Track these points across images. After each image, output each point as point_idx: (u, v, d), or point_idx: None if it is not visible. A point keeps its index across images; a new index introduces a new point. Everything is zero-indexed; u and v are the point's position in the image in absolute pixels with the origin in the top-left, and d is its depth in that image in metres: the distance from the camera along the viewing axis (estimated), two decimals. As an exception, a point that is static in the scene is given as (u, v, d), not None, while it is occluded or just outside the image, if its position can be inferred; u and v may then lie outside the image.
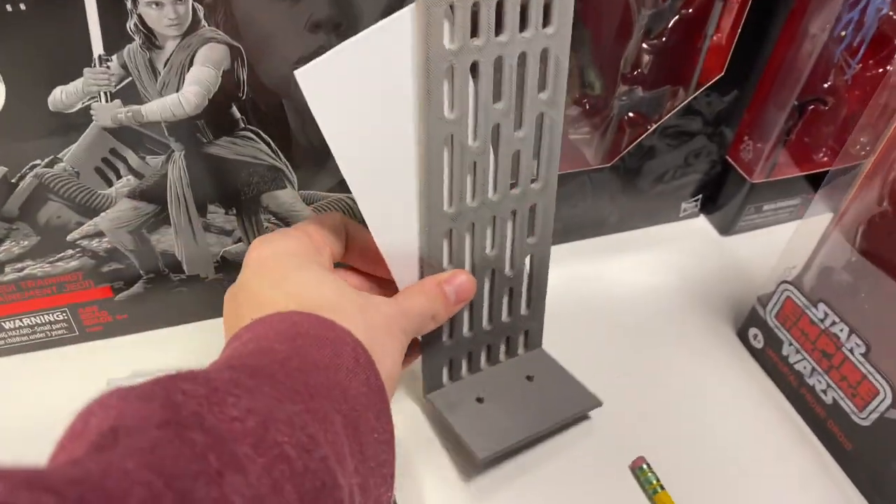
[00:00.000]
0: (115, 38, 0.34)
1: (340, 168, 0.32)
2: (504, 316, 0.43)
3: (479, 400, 0.43)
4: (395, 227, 0.35)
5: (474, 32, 0.32)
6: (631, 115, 0.50)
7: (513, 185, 0.38)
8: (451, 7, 0.31)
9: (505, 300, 0.42)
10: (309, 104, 0.30)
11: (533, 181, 0.39)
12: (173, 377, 0.23)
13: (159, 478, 0.18)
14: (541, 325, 0.45)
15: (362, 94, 0.31)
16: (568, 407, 0.43)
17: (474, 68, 0.33)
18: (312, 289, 0.32)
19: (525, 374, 0.44)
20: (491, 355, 0.44)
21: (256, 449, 0.21)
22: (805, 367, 0.45)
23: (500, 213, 0.38)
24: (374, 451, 0.28)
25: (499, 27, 0.33)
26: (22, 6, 0.31)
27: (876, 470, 0.42)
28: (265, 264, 0.33)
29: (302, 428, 0.23)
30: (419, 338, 0.40)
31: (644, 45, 0.47)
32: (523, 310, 0.44)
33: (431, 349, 0.41)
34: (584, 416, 0.44)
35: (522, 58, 0.34)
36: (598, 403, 0.44)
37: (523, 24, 0.33)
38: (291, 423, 0.23)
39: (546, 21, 0.34)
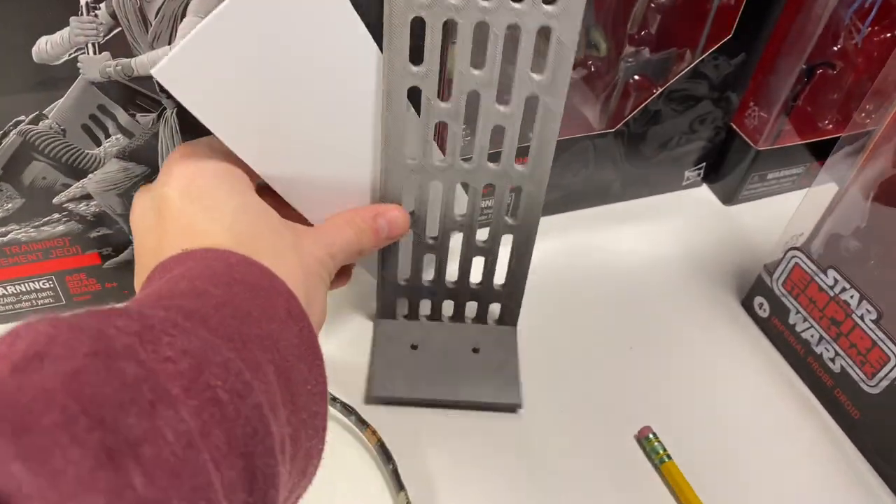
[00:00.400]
0: (104, -15, 0.32)
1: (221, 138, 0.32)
2: (473, 278, 0.42)
3: (414, 346, 0.43)
4: (299, 169, 0.35)
5: None
6: (637, 77, 0.48)
7: (494, 161, 0.37)
8: None
9: (477, 264, 0.42)
10: (177, 98, 0.30)
11: (521, 163, 0.37)
12: (107, 311, 0.22)
13: (77, 402, 0.18)
14: (517, 304, 0.44)
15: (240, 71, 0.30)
16: (485, 393, 0.42)
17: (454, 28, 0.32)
18: (249, 224, 0.30)
19: (474, 345, 0.44)
20: (456, 313, 0.45)
21: (188, 391, 0.21)
22: (812, 336, 0.45)
23: (474, 182, 0.38)
24: (306, 402, 0.27)
25: None
26: (3, -53, 0.29)
27: (885, 438, 0.41)
28: (195, 183, 0.31)
29: (237, 374, 0.23)
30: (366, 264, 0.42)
31: (652, 5, 0.45)
32: (498, 282, 0.43)
33: (387, 283, 0.42)
34: (506, 409, 0.43)
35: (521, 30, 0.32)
36: (515, 405, 0.42)
37: None
38: (226, 367, 0.23)
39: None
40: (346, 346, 0.45)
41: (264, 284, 0.28)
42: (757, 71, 0.50)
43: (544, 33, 0.32)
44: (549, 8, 0.32)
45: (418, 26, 0.33)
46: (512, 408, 0.42)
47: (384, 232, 0.36)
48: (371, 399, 0.42)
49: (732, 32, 0.47)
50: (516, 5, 0.32)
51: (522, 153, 0.37)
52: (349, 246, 0.35)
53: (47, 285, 0.43)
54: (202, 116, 0.31)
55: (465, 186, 0.38)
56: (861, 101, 0.43)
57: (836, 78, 0.50)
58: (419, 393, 0.42)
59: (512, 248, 0.41)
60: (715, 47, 0.47)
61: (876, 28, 0.47)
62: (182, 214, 0.30)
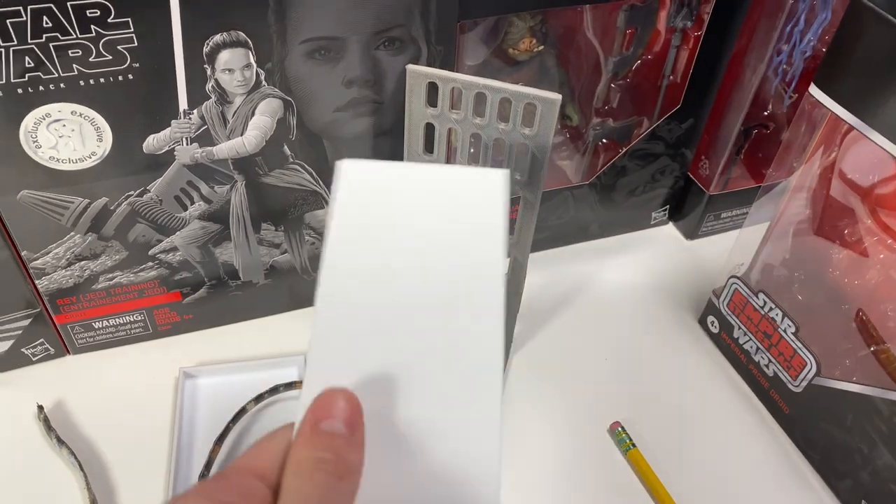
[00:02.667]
0: (197, 97, 0.44)
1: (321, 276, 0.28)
2: None
3: None
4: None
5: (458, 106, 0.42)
6: (604, 141, 0.60)
7: None
8: (434, 84, 0.41)
9: None
10: (336, 195, 0.28)
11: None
12: None
13: None
14: (507, 343, 0.53)
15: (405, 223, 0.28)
16: None
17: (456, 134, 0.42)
18: None
19: None
20: None
21: None
22: (751, 347, 0.55)
23: None
24: None
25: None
26: (130, 76, 0.41)
27: (807, 428, 0.51)
28: None
29: None
30: None
31: (612, 85, 0.57)
32: None
33: None
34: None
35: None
36: None
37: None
38: None
39: (528, 122, 0.40)
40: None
41: None
42: (704, 131, 0.61)
43: (524, 146, 0.42)
44: (526, 130, 0.41)
45: (430, 128, 0.44)
46: None
47: (343, 432, 0.25)
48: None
49: (681, 103, 0.58)
50: (501, 125, 0.42)
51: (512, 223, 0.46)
52: (327, 495, 0.24)
53: (139, 318, 0.54)
54: (335, 229, 0.28)
55: None
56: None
57: (770, 135, 0.61)
58: None
59: (504, 297, 0.51)
60: (668, 115, 0.59)
61: (796, 96, 0.58)
62: None
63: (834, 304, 0.51)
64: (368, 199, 0.28)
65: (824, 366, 0.49)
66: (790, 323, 0.51)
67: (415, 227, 0.28)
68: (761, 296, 0.53)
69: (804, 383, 0.51)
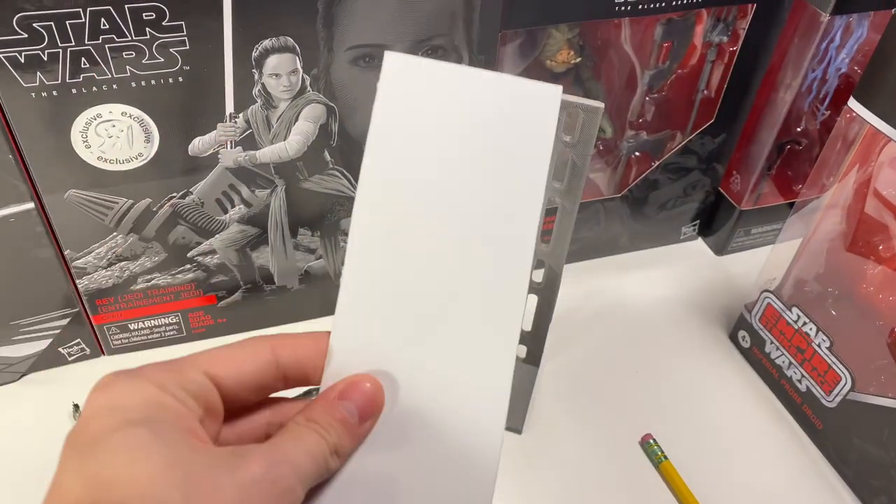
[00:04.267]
0: (243, 101, 0.44)
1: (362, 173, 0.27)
2: None
3: None
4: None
5: None
6: (637, 154, 0.60)
7: None
8: None
9: None
10: (380, 89, 0.27)
11: (545, 241, 0.47)
12: None
13: None
14: (540, 350, 0.52)
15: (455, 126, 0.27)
16: None
17: None
18: (122, 466, 0.22)
19: None
20: None
21: None
22: (784, 361, 0.55)
23: None
24: None
25: None
26: (180, 79, 0.42)
27: (841, 444, 0.51)
28: (87, 421, 0.24)
29: None
30: None
31: (647, 98, 0.57)
32: (525, 328, 0.51)
33: None
34: (510, 430, 0.52)
35: None
36: (516, 429, 0.50)
37: None
38: None
39: (569, 130, 0.40)
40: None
41: None
42: (737, 147, 0.62)
43: (564, 153, 0.42)
44: (567, 138, 0.41)
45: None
46: (514, 430, 0.52)
47: (354, 417, 0.27)
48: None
49: (714, 118, 0.58)
50: None
51: (548, 233, 0.46)
52: (311, 452, 0.26)
53: (174, 321, 0.55)
54: (375, 129, 0.27)
55: None
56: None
57: (802, 152, 0.62)
58: None
59: (537, 305, 0.51)
60: (701, 129, 0.59)
61: (830, 112, 0.58)
62: (59, 467, 0.24)
63: (868, 319, 0.51)
64: (412, 98, 0.27)
65: (859, 381, 0.49)
66: (825, 337, 0.51)
67: (459, 134, 0.27)
68: (795, 310, 0.53)
69: (838, 398, 0.51)
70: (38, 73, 0.39)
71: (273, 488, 0.24)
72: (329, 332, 0.28)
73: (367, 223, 0.27)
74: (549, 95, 0.27)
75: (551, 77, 0.55)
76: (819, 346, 0.51)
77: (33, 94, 0.40)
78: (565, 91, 0.41)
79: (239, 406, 0.28)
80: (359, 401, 0.27)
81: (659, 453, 0.51)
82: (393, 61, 0.27)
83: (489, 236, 0.27)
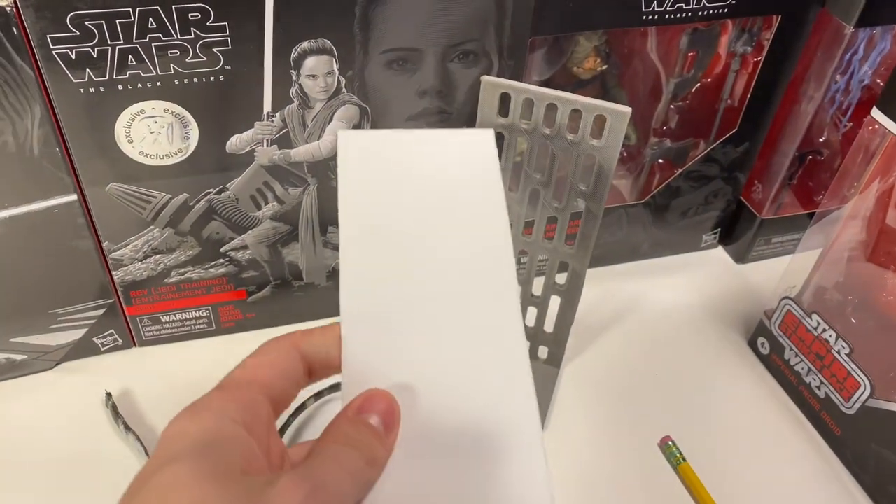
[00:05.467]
0: (280, 100, 0.46)
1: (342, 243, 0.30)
2: (527, 321, 0.47)
3: None
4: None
5: (528, 117, 0.43)
6: (660, 161, 0.61)
7: (549, 239, 0.47)
8: (506, 94, 0.42)
9: (531, 312, 0.50)
10: (341, 165, 0.30)
11: (569, 245, 0.48)
12: None
13: None
14: (561, 351, 0.53)
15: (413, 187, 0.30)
16: None
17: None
18: (158, 500, 0.23)
19: None
20: None
21: None
22: (803, 368, 0.55)
23: (531, 251, 0.48)
24: None
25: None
26: (221, 78, 0.44)
27: (859, 450, 0.52)
28: (150, 460, 0.25)
29: None
30: None
31: (671, 106, 0.58)
32: (547, 329, 0.52)
33: None
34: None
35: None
36: None
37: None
38: None
39: (596, 134, 0.41)
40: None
41: None
42: (759, 155, 0.63)
43: (591, 157, 0.43)
44: (594, 142, 0.42)
45: (500, 136, 0.45)
46: None
47: (380, 428, 0.27)
48: None
49: (737, 127, 0.59)
50: (570, 136, 0.43)
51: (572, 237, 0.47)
52: (355, 471, 0.25)
53: (205, 314, 0.56)
54: (343, 199, 0.30)
55: (524, 253, 0.49)
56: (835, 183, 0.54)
57: (825, 162, 0.62)
58: None
59: (560, 307, 0.51)
60: (723, 138, 0.60)
61: (852, 124, 0.59)
62: None
63: (888, 327, 0.51)
64: (371, 167, 0.30)
65: (878, 388, 0.49)
66: (844, 344, 0.51)
67: (419, 189, 0.30)
68: (815, 317, 0.54)
69: (857, 405, 0.51)
70: (88, 69, 0.41)
71: None
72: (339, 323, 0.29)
73: (355, 260, 0.29)
74: (484, 138, 0.31)
75: (577, 84, 0.56)
76: (839, 352, 0.52)
77: (81, 89, 0.41)
78: (592, 96, 0.42)
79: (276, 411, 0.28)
80: (380, 413, 0.27)
81: (678, 455, 0.52)
82: (346, 139, 0.31)
83: (470, 254, 0.30)
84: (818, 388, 0.54)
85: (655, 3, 0.49)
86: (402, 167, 0.30)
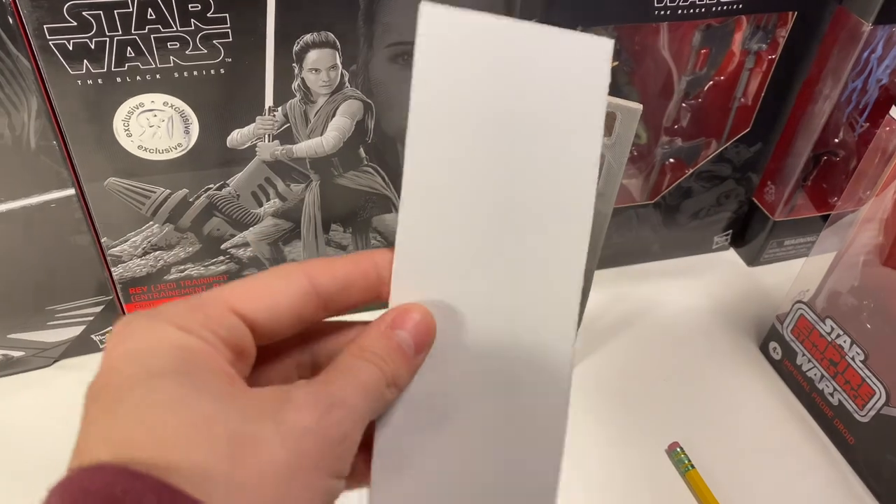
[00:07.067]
0: (282, 95, 0.45)
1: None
2: None
3: None
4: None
5: None
6: (671, 161, 0.60)
7: None
8: None
9: None
10: (418, 45, 0.25)
11: None
12: None
13: None
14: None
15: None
16: None
17: None
18: (151, 428, 0.20)
19: None
20: None
21: None
22: (815, 374, 0.54)
23: None
24: None
25: None
26: (222, 70, 0.43)
27: (873, 459, 0.50)
28: (107, 374, 0.22)
29: None
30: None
31: (683, 105, 0.57)
32: None
33: None
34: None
35: None
36: None
37: None
38: None
39: (606, 131, 0.40)
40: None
41: None
42: (773, 156, 0.61)
43: (601, 155, 0.43)
44: (604, 140, 0.40)
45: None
46: None
47: (410, 348, 0.25)
48: None
49: (750, 126, 0.58)
50: None
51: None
52: (373, 390, 0.24)
53: (205, 312, 0.55)
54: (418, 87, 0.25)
55: None
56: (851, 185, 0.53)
57: (840, 163, 0.61)
58: None
59: None
60: (736, 137, 0.59)
61: (868, 125, 0.58)
62: (82, 422, 0.22)
63: (904, 334, 0.50)
64: (456, 52, 0.25)
65: (894, 395, 0.48)
66: (859, 350, 0.50)
67: (507, 89, 0.25)
68: (828, 322, 0.52)
69: (872, 413, 0.50)
70: (85, 61, 0.40)
71: (328, 438, 0.22)
72: (369, 254, 0.27)
73: (421, 162, 0.26)
74: (601, 46, 0.25)
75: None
76: (853, 359, 0.51)
77: (79, 81, 0.41)
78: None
79: (273, 344, 0.25)
80: (412, 330, 0.25)
81: (686, 461, 0.51)
82: (429, 12, 0.25)
83: (549, 180, 0.26)
84: (831, 394, 0.53)
85: (668, -2, 0.48)
86: (493, 59, 0.25)
